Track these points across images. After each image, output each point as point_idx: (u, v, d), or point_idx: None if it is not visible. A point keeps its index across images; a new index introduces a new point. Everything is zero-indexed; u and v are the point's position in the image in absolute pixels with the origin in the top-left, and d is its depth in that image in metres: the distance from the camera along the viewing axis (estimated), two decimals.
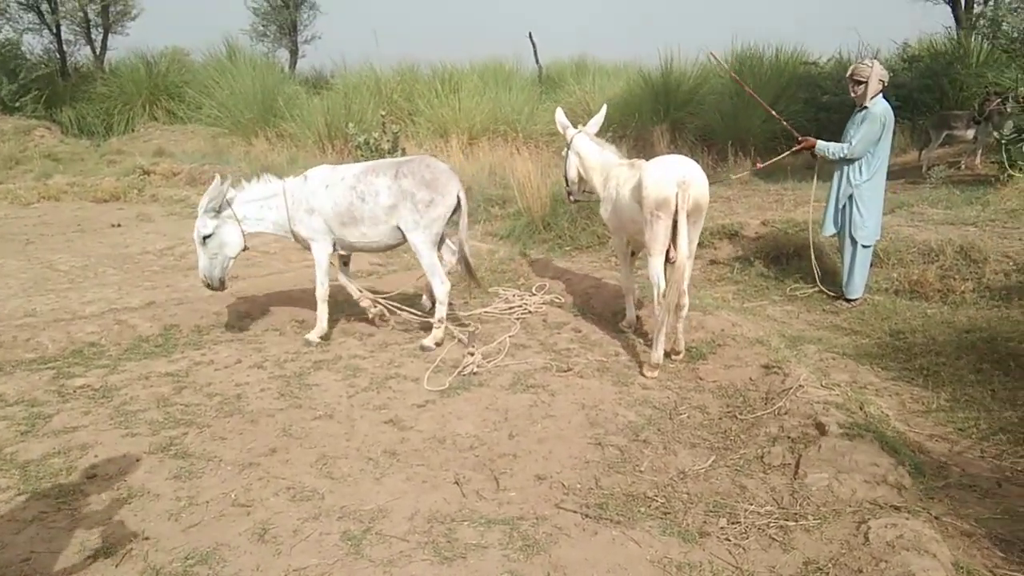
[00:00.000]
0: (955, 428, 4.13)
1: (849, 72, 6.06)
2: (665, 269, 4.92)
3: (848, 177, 5.95)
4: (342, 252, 5.77)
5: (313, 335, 5.59)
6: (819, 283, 6.43)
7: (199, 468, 3.73)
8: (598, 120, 5.96)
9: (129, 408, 4.46)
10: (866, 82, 5.81)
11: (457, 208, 5.51)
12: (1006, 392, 4.47)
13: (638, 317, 5.84)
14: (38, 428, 4.19)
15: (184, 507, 3.40)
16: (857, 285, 6.08)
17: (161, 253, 8.34)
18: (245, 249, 5.60)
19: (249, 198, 5.48)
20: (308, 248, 5.64)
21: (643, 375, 4.95)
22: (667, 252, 4.88)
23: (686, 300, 4.97)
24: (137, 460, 3.83)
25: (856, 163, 5.91)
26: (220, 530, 3.21)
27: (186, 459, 3.83)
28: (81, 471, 3.72)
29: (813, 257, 6.43)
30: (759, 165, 7.25)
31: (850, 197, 5.95)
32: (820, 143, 6.02)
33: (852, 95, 6.00)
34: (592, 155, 5.73)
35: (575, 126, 5.94)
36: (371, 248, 5.75)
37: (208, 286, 5.48)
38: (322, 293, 5.59)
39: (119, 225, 10.14)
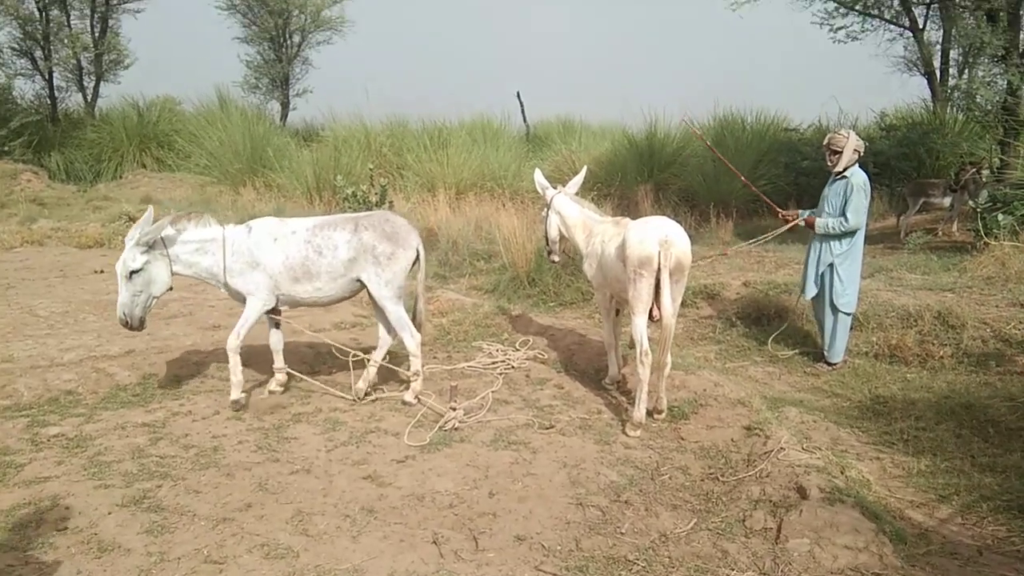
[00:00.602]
0: (936, 494, 4.14)
1: (826, 141, 6.16)
2: (649, 328, 4.96)
3: (830, 247, 6.02)
4: (281, 308, 5.50)
5: (235, 393, 5.25)
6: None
7: (172, 522, 3.65)
8: (578, 181, 6.14)
9: (103, 459, 4.38)
10: (841, 151, 5.95)
11: (416, 261, 5.51)
12: (986, 458, 4.50)
13: (622, 375, 5.85)
14: (9, 478, 4.10)
15: (155, 563, 3.32)
16: (838, 350, 6.14)
17: None
18: (170, 290, 5.23)
19: (186, 239, 5.13)
20: (239, 300, 5.38)
21: (625, 434, 4.94)
22: (651, 311, 4.93)
23: (668, 359, 5.00)
24: (109, 513, 3.74)
25: (838, 235, 6.00)
26: None
27: (159, 513, 3.75)
28: (51, 523, 3.63)
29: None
30: (726, 253, 7.34)
31: (830, 266, 6.02)
32: (819, 222, 5.99)
33: (828, 164, 6.11)
34: (573, 214, 5.84)
35: (555, 186, 6.06)
36: (319, 303, 5.59)
37: (126, 325, 5.03)
38: (235, 345, 5.23)
39: (102, 271, 10.06)
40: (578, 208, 5.87)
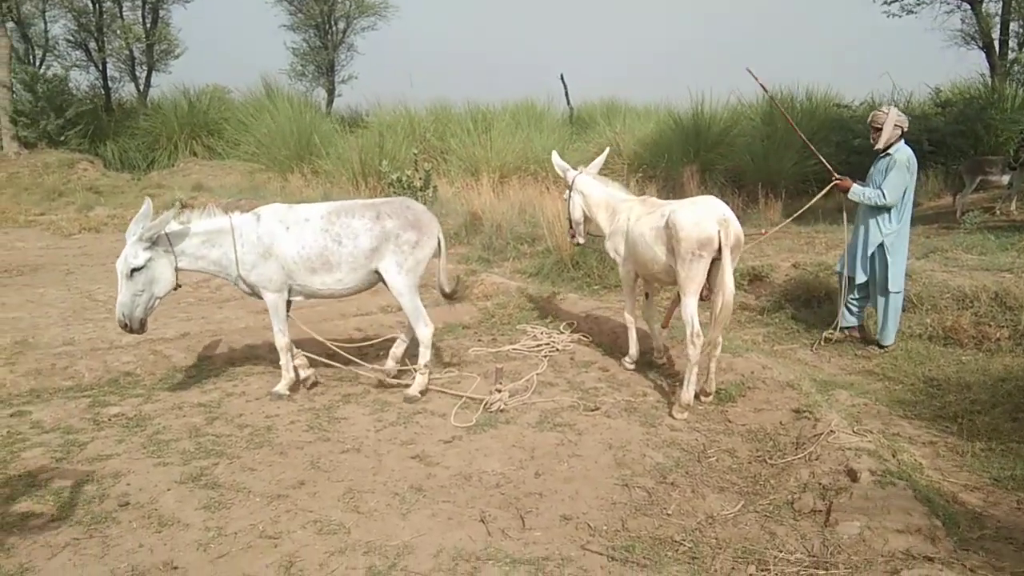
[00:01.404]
0: (990, 478, 4.04)
1: (869, 119, 6.11)
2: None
3: (879, 226, 5.90)
4: (293, 300, 5.28)
5: (281, 387, 5.20)
6: (839, 328, 6.36)
7: (228, 499, 3.77)
8: (599, 162, 6.17)
9: (162, 437, 4.53)
10: (882, 128, 5.83)
11: (438, 250, 5.41)
12: None
13: (666, 354, 5.84)
14: (73, 455, 4.27)
15: (213, 537, 3.43)
16: (891, 331, 6.01)
17: (197, 285, 8.48)
18: (176, 288, 4.98)
19: (192, 232, 4.87)
20: (254, 295, 5.19)
21: (672, 416, 4.94)
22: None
23: (720, 339, 4.98)
24: (168, 489, 3.88)
25: (886, 211, 5.87)
26: (247, 561, 3.23)
27: (216, 489, 3.87)
28: (114, 499, 3.78)
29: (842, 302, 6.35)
30: (764, 233, 7.24)
31: (880, 245, 5.90)
32: (855, 187, 5.93)
33: (871, 141, 6.03)
34: (597, 192, 5.88)
35: (577, 167, 6.14)
36: (336, 295, 5.38)
37: (125, 327, 4.75)
38: (284, 343, 5.16)
39: None
40: (601, 186, 5.91)
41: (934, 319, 6.20)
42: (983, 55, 14.94)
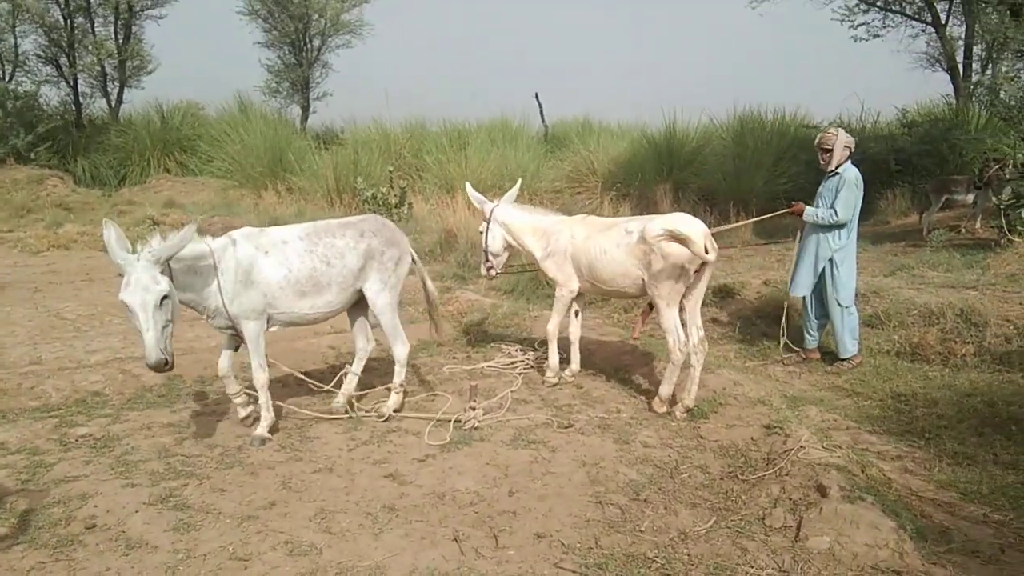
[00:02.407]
0: (958, 492, 4.11)
1: (816, 141, 6.26)
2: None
3: (828, 241, 6.07)
4: (273, 329, 4.89)
5: (263, 429, 4.76)
6: (783, 343, 6.51)
7: (198, 520, 3.72)
8: (513, 192, 6.27)
9: (130, 458, 4.46)
10: (832, 149, 5.99)
11: (413, 264, 5.39)
12: (1008, 456, 4.47)
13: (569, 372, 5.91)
14: (39, 477, 4.19)
15: (181, 560, 3.38)
16: (849, 344, 6.11)
17: None
18: None
19: (180, 256, 4.25)
20: (230, 328, 4.70)
21: (652, 409, 5.25)
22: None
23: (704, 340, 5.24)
24: (136, 511, 3.81)
25: (835, 228, 6.03)
26: None
27: (185, 511, 3.82)
28: (80, 521, 3.71)
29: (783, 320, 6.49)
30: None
31: (830, 260, 6.06)
32: (808, 209, 6.14)
33: (821, 162, 6.18)
34: (520, 220, 5.99)
35: (492, 199, 6.24)
36: (317, 321, 5.13)
37: (164, 365, 4.04)
38: (265, 379, 4.74)
39: None
40: (525, 214, 6.01)
41: (901, 336, 6.32)
42: (948, 77, 15.31)
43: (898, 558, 3.29)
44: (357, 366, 5.46)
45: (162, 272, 4.07)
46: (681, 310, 5.19)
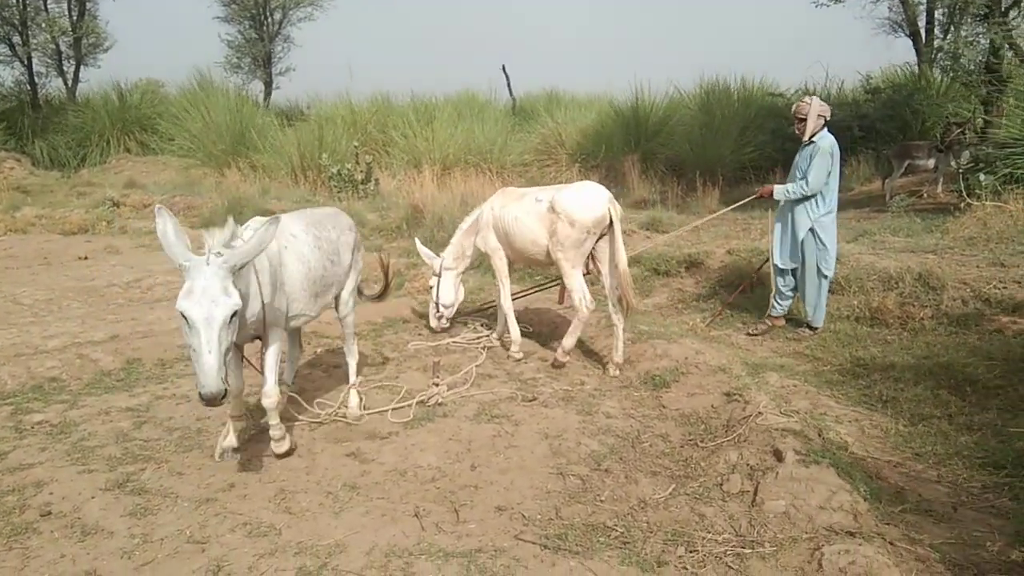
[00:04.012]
0: (913, 453, 4.18)
1: (793, 109, 6.26)
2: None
3: (807, 211, 6.04)
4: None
5: (286, 444, 4.17)
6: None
7: (155, 504, 3.67)
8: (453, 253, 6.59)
9: (87, 444, 4.38)
10: (806, 118, 5.97)
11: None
12: (963, 417, 4.55)
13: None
14: None
15: (138, 545, 3.34)
16: (822, 314, 6.17)
17: (128, 286, 8.25)
18: None
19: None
20: (255, 339, 4.12)
21: (557, 361, 5.69)
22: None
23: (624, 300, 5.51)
24: (92, 497, 3.75)
25: (814, 197, 6.01)
26: (173, 568, 3.16)
27: (142, 495, 3.76)
28: (35, 509, 3.64)
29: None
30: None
31: (811, 230, 6.04)
32: (777, 188, 6.12)
33: (796, 132, 6.17)
34: (457, 241, 6.52)
35: (438, 254, 6.63)
36: (306, 323, 4.67)
37: (223, 398, 3.32)
38: (277, 398, 4.12)
39: (86, 258, 10.04)
40: (459, 240, 6.49)
41: (861, 301, 6.39)
42: (910, 43, 15.38)
43: (852, 519, 3.34)
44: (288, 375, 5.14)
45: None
46: (600, 273, 5.67)
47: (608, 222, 5.40)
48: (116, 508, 3.65)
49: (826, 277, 6.10)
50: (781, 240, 6.26)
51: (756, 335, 6.36)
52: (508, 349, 6.06)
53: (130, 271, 9.03)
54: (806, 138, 6.04)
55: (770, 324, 6.43)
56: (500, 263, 6.08)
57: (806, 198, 6.00)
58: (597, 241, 5.51)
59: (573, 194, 5.48)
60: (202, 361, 3.23)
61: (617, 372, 5.49)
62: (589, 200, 5.41)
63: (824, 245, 6.04)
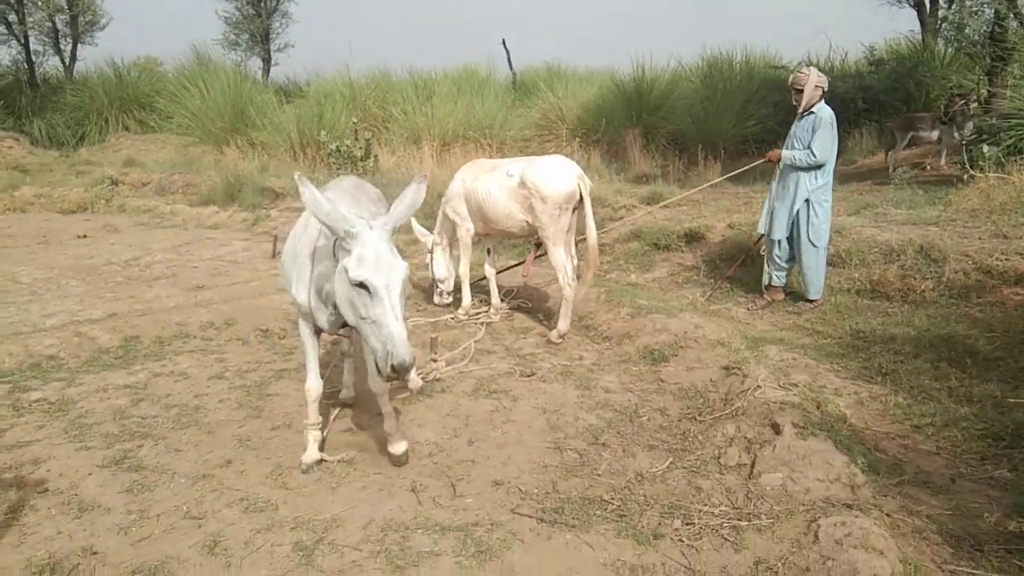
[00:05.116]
0: (911, 425, 4.16)
1: (790, 81, 6.18)
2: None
3: (805, 182, 5.98)
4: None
5: (404, 443, 3.93)
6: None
7: (152, 481, 3.68)
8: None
9: (85, 421, 4.39)
10: (803, 89, 5.91)
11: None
12: (962, 389, 4.52)
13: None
14: None
15: (135, 521, 3.34)
16: (819, 286, 6.13)
17: (126, 264, 8.24)
18: None
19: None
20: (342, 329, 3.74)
21: (551, 341, 5.68)
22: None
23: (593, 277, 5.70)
24: (89, 474, 3.76)
25: (813, 168, 5.95)
26: (170, 543, 3.16)
27: (139, 472, 3.77)
28: (32, 486, 3.65)
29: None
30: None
31: (806, 201, 5.98)
32: (784, 152, 6.03)
33: (793, 103, 6.11)
34: (441, 222, 6.54)
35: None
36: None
37: (412, 364, 2.99)
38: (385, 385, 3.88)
39: (85, 236, 10.03)
40: (442, 224, 6.54)
41: (862, 273, 6.35)
42: (914, 13, 15.16)
43: (850, 491, 3.33)
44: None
45: None
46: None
47: (579, 197, 5.46)
48: (113, 485, 3.66)
49: (818, 248, 6.05)
50: (776, 211, 6.19)
51: (756, 310, 6.32)
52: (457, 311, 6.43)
53: (129, 249, 9.02)
54: (802, 109, 5.98)
55: (770, 299, 6.38)
56: (465, 234, 6.22)
57: (806, 170, 5.94)
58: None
59: (542, 169, 5.51)
60: (390, 330, 2.97)
61: (559, 340, 5.66)
62: (558, 175, 5.46)
63: (818, 216, 5.99)
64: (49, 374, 5.17)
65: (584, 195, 5.47)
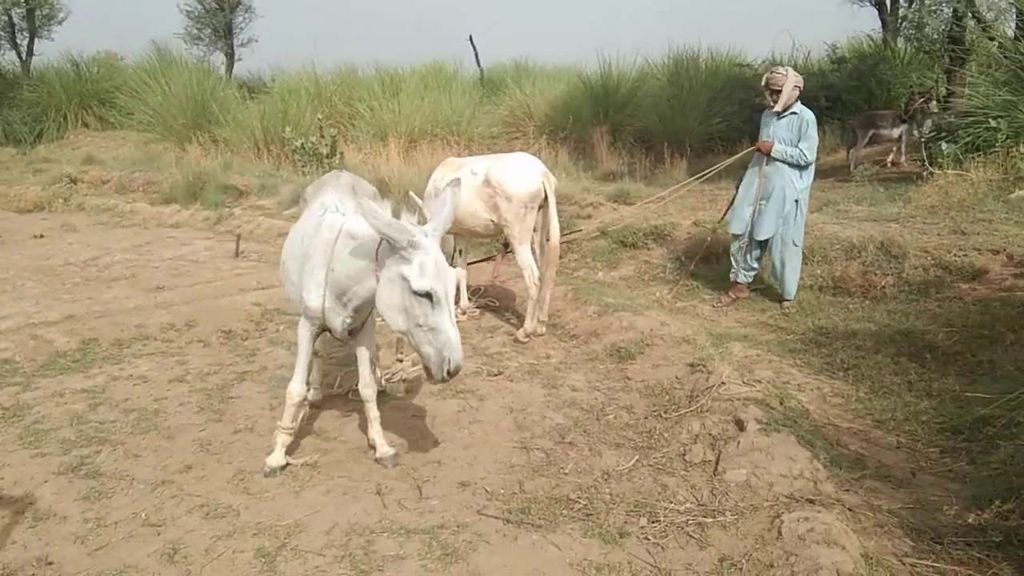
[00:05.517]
0: (873, 420, 4.23)
1: (764, 81, 6.14)
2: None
3: (794, 184, 5.96)
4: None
5: (390, 449, 3.89)
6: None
7: (109, 488, 3.59)
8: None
9: (40, 427, 4.27)
10: (781, 90, 5.90)
11: None
12: (922, 383, 4.61)
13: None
14: None
15: (92, 529, 3.26)
16: (795, 284, 6.16)
17: (84, 264, 8.06)
18: None
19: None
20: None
21: (518, 340, 5.66)
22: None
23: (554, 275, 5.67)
24: (45, 481, 3.66)
25: (797, 169, 5.96)
26: (128, 552, 3.09)
27: (97, 479, 3.68)
28: None
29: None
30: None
31: (795, 201, 5.97)
32: (777, 147, 5.95)
33: (770, 103, 6.04)
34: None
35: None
36: None
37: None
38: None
39: (42, 236, 9.79)
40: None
41: (824, 270, 6.44)
42: (875, 12, 15.41)
43: (813, 486, 3.36)
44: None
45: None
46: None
47: (543, 195, 5.43)
48: (69, 492, 3.56)
49: (798, 247, 6.09)
50: (763, 212, 6.08)
51: (722, 307, 6.35)
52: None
53: (87, 249, 8.82)
54: (779, 109, 5.95)
55: (734, 296, 6.41)
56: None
57: (791, 170, 5.94)
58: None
59: (506, 167, 5.47)
60: (449, 336, 3.11)
61: (526, 339, 5.64)
62: (523, 173, 5.42)
63: (802, 217, 6.04)
64: (3, 378, 5.01)
65: (548, 194, 5.44)
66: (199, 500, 3.48)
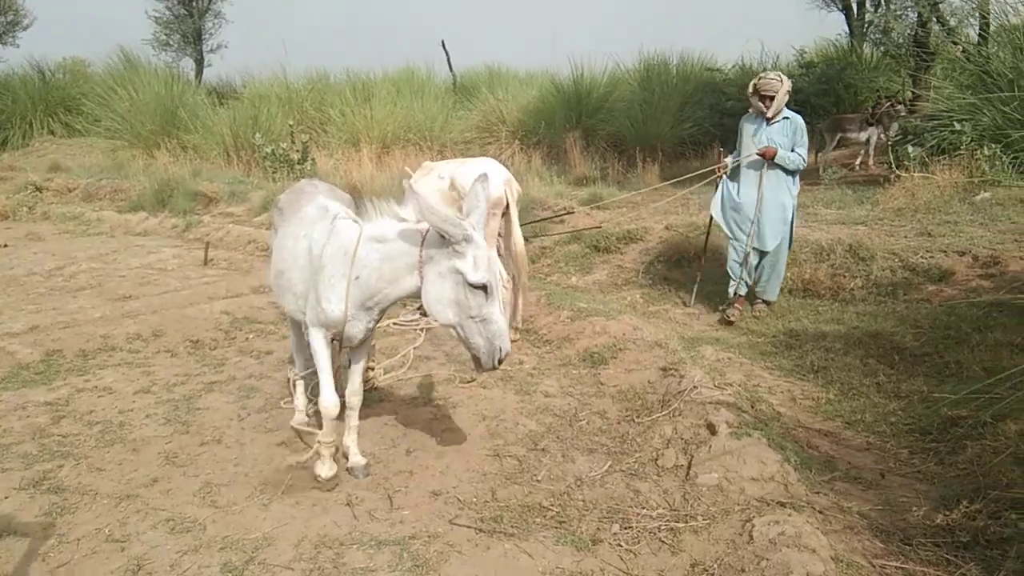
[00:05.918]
0: (843, 421, 4.26)
1: (756, 87, 5.93)
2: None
3: (789, 191, 5.96)
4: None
5: (362, 458, 3.87)
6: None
7: (72, 503, 3.51)
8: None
9: (1, 441, 4.16)
10: (775, 96, 5.82)
11: None
12: (891, 384, 4.65)
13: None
14: None
15: (53, 546, 3.18)
16: (779, 288, 6.17)
17: (49, 274, 7.90)
18: None
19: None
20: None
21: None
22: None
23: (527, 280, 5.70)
24: (6, 497, 3.56)
25: (791, 176, 5.96)
26: (91, 569, 3.01)
27: (59, 494, 3.59)
28: None
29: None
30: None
31: (794, 208, 6.01)
32: (781, 152, 5.84)
33: (762, 109, 5.90)
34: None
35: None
36: None
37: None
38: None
39: (5, 245, 9.60)
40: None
41: (794, 273, 6.48)
42: (843, 16, 15.62)
43: (783, 489, 3.37)
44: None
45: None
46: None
47: (505, 203, 5.41)
48: (31, 508, 3.47)
49: (788, 251, 6.15)
50: (765, 221, 5.96)
51: (732, 321, 6.08)
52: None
53: (52, 259, 8.65)
54: (771, 114, 5.89)
55: (739, 309, 6.17)
56: None
57: (787, 177, 5.93)
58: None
59: (471, 172, 5.30)
60: (500, 325, 3.24)
61: (516, 337, 5.61)
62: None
63: (795, 220, 6.09)
64: None
65: (510, 201, 5.42)
66: (164, 514, 3.40)
